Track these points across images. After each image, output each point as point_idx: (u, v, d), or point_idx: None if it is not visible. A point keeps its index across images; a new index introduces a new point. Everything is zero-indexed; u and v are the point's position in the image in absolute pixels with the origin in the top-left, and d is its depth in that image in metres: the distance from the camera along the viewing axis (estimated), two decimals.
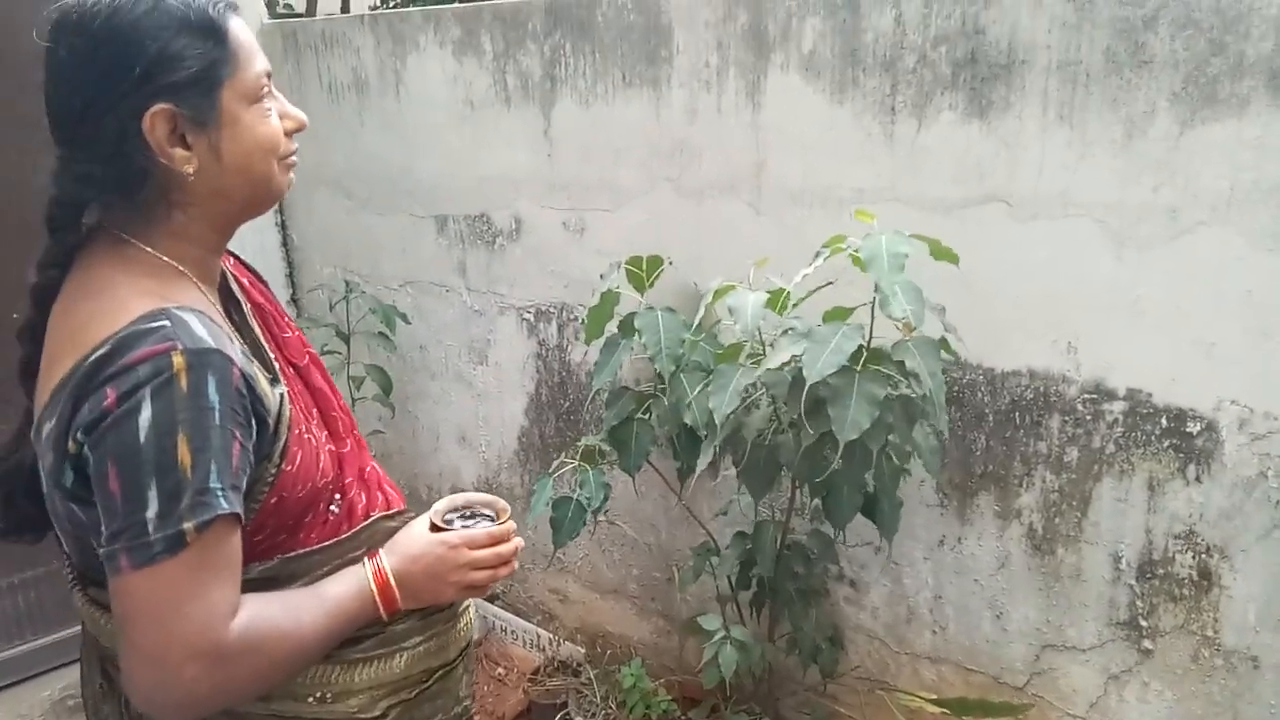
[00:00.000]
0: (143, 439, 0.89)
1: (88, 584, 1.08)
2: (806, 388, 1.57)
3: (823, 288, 1.79)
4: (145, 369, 0.90)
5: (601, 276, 2.10)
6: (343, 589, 1.07)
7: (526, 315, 2.65)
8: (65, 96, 0.97)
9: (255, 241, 3.09)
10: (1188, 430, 1.68)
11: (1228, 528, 1.68)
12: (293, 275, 3.30)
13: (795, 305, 1.83)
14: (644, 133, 2.24)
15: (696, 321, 1.96)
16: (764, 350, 1.86)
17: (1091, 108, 1.65)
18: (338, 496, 1.14)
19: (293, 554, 1.07)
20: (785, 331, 1.73)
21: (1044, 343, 1.81)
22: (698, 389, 1.95)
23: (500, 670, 2.82)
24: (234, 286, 1.16)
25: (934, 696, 1.99)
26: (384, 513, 1.18)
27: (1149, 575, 1.78)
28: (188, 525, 0.90)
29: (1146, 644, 1.81)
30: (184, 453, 0.90)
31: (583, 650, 2.73)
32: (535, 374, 2.68)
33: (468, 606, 1.25)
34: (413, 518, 1.20)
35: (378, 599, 1.09)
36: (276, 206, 3.07)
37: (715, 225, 2.19)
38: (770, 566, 2.04)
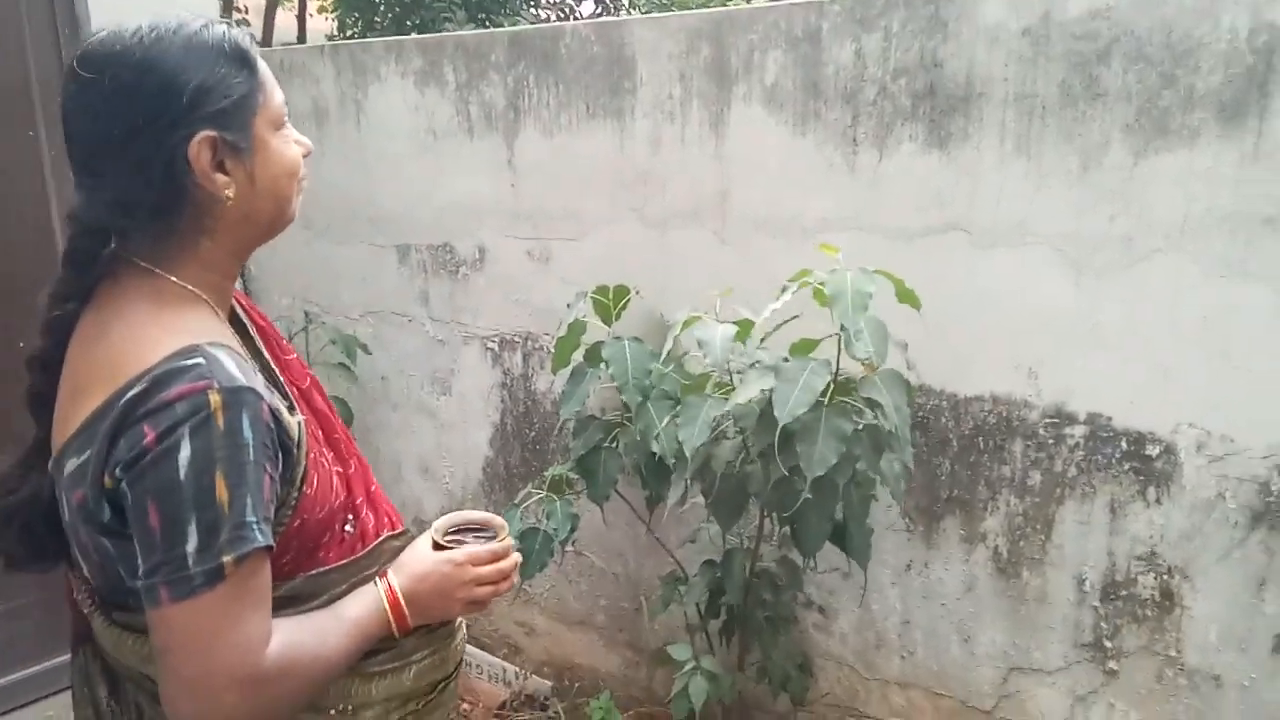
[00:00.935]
0: (182, 476, 0.92)
1: (110, 608, 1.08)
2: (779, 427, 1.59)
3: (789, 321, 1.81)
4: (183, 407, 0.92)
5: (568, 306, 2.10)
6: (361, 610, 1.11)
7: (491, 344, 2.63)
8: (104, 126, 0.98)
9: None
10: (1147, 453, 1.72)
11: (1188, 549, 1.71)
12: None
13: (764, 339, 1.84)
14: (608, 163, 2.25)
15: (665, 352, 1.97)
16: (731, 380, 1.87)
17: (1048, 139, 1.69)
18: (351, 517, 1.17)
19: (314, 572, 1.11)
20: (753, 364, 1.74)
21: (1005, 368, 1.84)
22: (666, 419, 1.96)
23: (465, 705, 2.77)
24: (239, 312, 1.18)
25: None
26: (391, 533, 1.22)
27: (1112, 597, 1.81)
28: (226, 559, 0.93)
29: (1111, 665, 1.83)
30: (221, 489, 0.93)
31: (550, 683, 2.70)
32: (500, 403, 2.66)
33: (462, 623, 1.29)
34: (414, 537, 1.23)
35: (391, 618, 1.13)
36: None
37: (680, 254, 2.20)
38: (739, 594, 2.04)
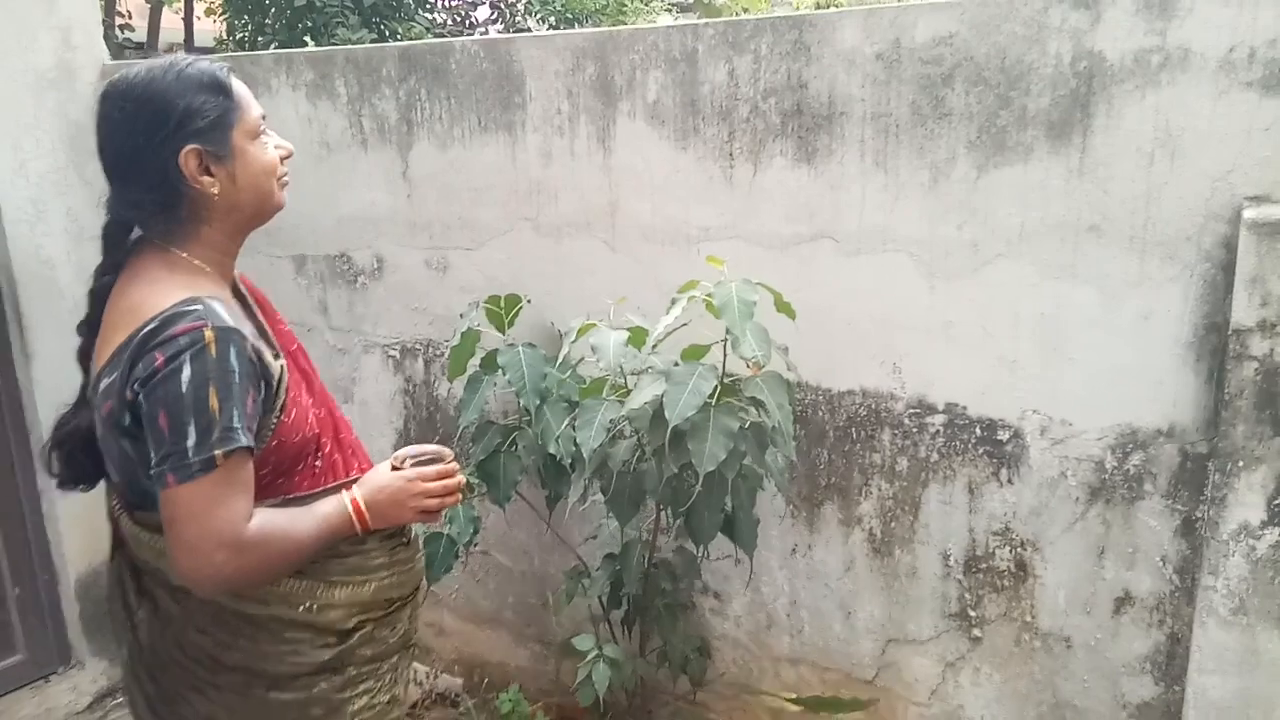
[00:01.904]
0: (184, 390, 1.21)
1: (133, 509, 1.38)
2: (670, 428, 1.70)
3: (679, 329, 1.91)
4: (185, 339, 1.22)
5: (461, 316, 2.17)
6: (329, 509, 1.39)
7: (392, 352, 2.69)
8: (119, 145, 1.31)
9: None
10: (998, 438, 1.89)
11: (1037, 523, 1.90)
12: None
13: (655, 346, 1.95)
14: (502, 174, 2.33)
15: (561, 358, 2.06)
16: (626, 383, 1.97)
17: (902, 154, 1.85)
18: (320, 452, 1.45)
19: (292, 495, 1.39)
20: (646, 369, 1.85)
21: (873, 364, 1.99)
22: (564, 421, 2.05)
23: None
24: (242, 289, 1.49)
25: (793, 695, 2.13)
26: (357, 476, 1.49)
27: (974, 570, 1.98)
28: (218, 452, 1.21)
29: (975, 632, 2.01)
30: (214, 401, 1.22)
31: (460, 681, 2.76)
32: (403, 409, 2.71)
33: (421, 555, 1.60)
34: None
35: (354, 517, 1.40)
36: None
37: (574, 262, 2.29)
38: (638, 585, 2.15)
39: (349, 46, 2.48)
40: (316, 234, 2.70)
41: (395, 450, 1.51)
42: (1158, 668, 1.83)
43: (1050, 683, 1.95)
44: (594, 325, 1.96)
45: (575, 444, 2.03)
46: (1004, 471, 1.90)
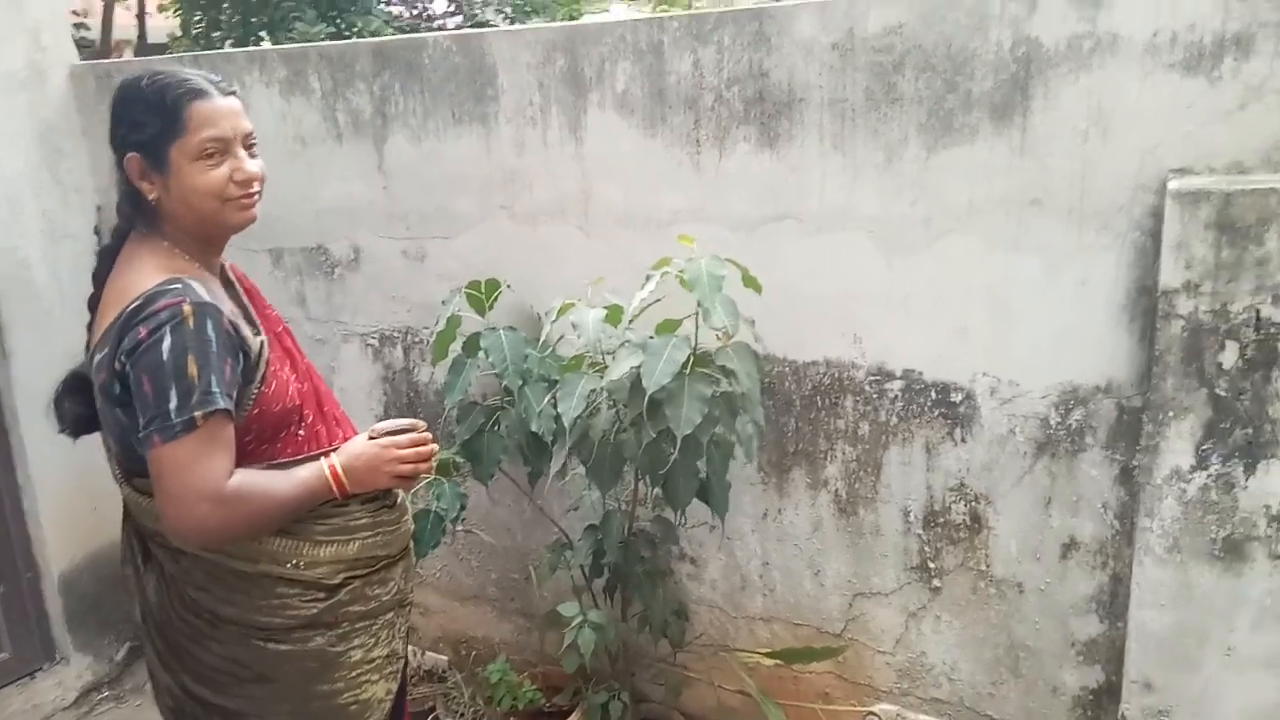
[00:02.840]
0: (165, 358, 1.34)
1: (131, 476, 1.51)
2: (647, 395, 1.81)
3: (653, 304, 2.02)
4: (165, 314, 1.36)
5: (443, 302, 2.27)
6: (307, 474, 1.51)
7: (371, 341, 2.77)
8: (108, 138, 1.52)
9: (74, 283, 3.04)
10: (952, 400, 2.03)
11: (989, 478, 2.04)
12: None
13: (631, 321, 2.06)
14: (476, 164, 2.42)
15: (543, 338, 2.16)
16: (603, 360, 2.07)
17: (858, 137, 1.98)
18: (303, 422, 1.57)
19: (276, 461, 1.52)
20: (623, 344, 1.96)
21: (835, 336, 2.12)
22: (545, 399, 2.16)
23: None
24: (231, 276, 1.63)
25: (768, 651, 2.26)
26: (340, 445, 1.61)
27: (932, 524, 2.12)
28: (198, 414, 1.35)
29: (935, 583, 2.15)
30: (193, 368, 1.35)
31: (446, 658, 2.86)
32: (383, 396, 2.80)
33: (408, 517, 1.72)
34: None
35: (330, 481, 1.52)
36: (97, 245, 3.06)
37: (550, 247, 2.39)
38: (619, 553, 2.26)
39: (321, 43, 2.54)
40: (293, 227, 2.76)
41: None
42: (1102, 606, 1.99)
43: (1005, 626, 2.10)
44: (573, 305, 2.06)
45: (556, 419, 2.14)
46: (958, 431, 2.05)
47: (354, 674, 1.61)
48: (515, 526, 2.70)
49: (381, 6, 5.65)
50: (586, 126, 2.26)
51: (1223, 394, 1.70)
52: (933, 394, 2.05)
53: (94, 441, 1.62)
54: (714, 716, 2.52)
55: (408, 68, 2.45)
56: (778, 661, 2.23)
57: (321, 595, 1.56)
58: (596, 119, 2.24)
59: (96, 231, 3.08)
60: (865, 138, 1.97)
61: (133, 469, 1.51)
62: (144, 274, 1.44)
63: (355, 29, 5.61)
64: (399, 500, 1.70)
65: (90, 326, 1.55)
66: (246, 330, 1.47)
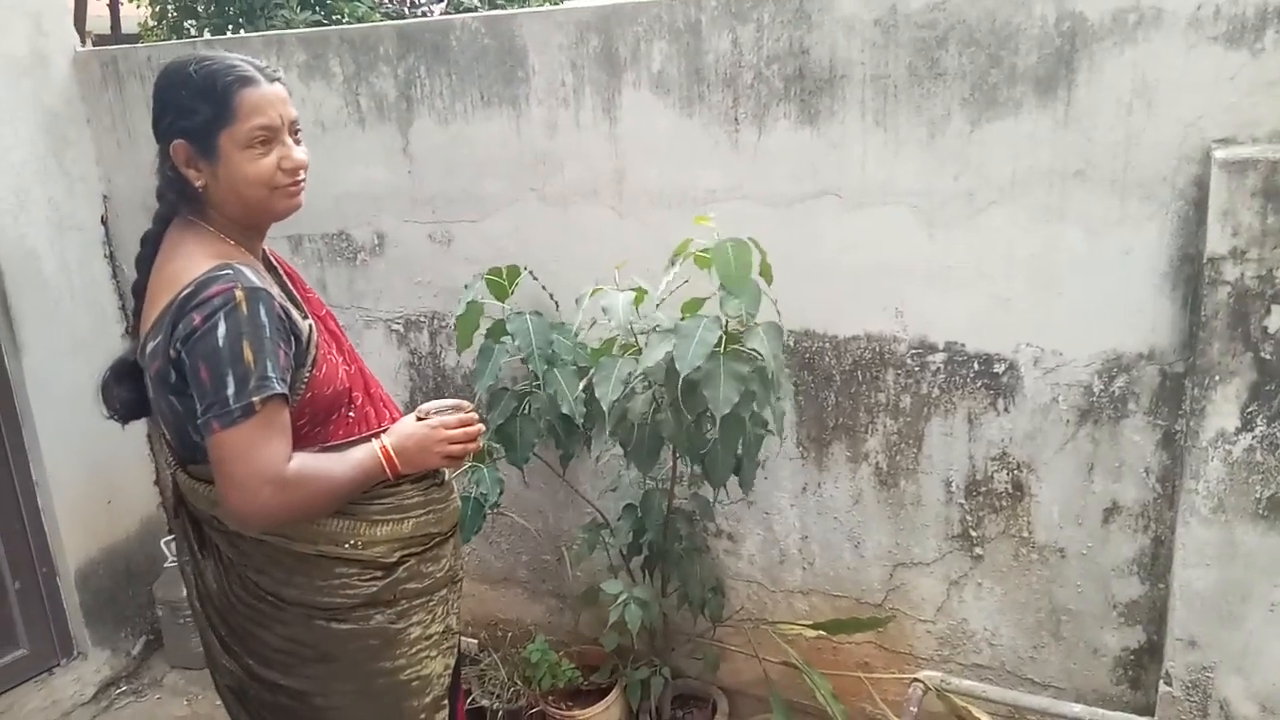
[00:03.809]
0: (221, 344, 1.35)
1: (186, 464, 1.53)
2: (682, 378, 1.82)
3: (681, 285, 2.01)
4: (219, 299, 1.36)
5: (465, 287, 2.26)
6: (361, 455, 1.53)
7: (395, 326, 2.75)
8: (151, 124, 1.51)
9: (82, 274, 2.99)
10: (995, 371, 2.07)
11: (1031, 446, 2.08)
12: (125, 307, 3.20)
13: (660, 304, 2.06)
14: (506, 147, 2.41)
15: (576, 324, 2.16)
16: (636, 341, 2.07)
17: (900, 113, 2.00)
18: (353, 405, 1.59)
19: (328, 444, 1.53)
20: (654, 327, 1.96)
21: (876, 310, 2.15)
22: (575, 383, 2.18)
23: None
24: (273, 261, 1.65)
25: (812, 623, 2.30)
26: (389, 426, 1.63)
27: (974, 494, 2.16)
28: (255, 399, 1.35)
29: (977, 551, 2.19)
30: (248, 353, 1.35)
31: (476, 641, 2.86)
32: (409, 381, 2.78)
33: (454, 492, 1.73)
34: None
35: (383, 462, 1.53)
36: (104, 235, 3.01)
37: (581, 229, 2.39)
38: (659, 531, 2.28)
39: (342, 27, 2.52)
40: (312, 213, 2.69)
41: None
42: (1143, 568, 2.04)
43: (1047, 591, 2.15)
44: (601, 289, 2.05)
45: (586, 403, 2.16)
46: (1000, 401, 2.08)
47: (414, 650, 1.64)
48: (546, 508, 2.70)
49: None
50: (621, 106, 2.26)
51: (1268, 358, 1.75)
52: (975, 365, 2.08)
53: (108, 436, 1.62)
54: (751, 689, 2.55)
55: (434, 50, 2.43)
56: (819, 633, 2.26)
57: (379, 574, 1.58)
58: (631, 99, 2.24)
59: (104, 222, 3.04)
60: (908, 113, 1.99)
61: (186, 456, 1.52)
62: (194, 260, 1.43)
63: (339, 16, 5.52)
64: (446, 478, 1.72)
65: (137, 313, 1.54)
66: (295, 314, 1.48)
